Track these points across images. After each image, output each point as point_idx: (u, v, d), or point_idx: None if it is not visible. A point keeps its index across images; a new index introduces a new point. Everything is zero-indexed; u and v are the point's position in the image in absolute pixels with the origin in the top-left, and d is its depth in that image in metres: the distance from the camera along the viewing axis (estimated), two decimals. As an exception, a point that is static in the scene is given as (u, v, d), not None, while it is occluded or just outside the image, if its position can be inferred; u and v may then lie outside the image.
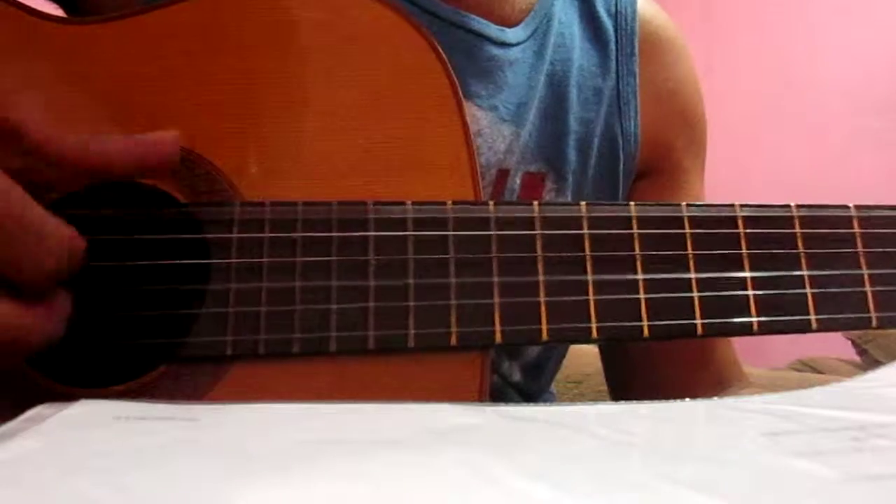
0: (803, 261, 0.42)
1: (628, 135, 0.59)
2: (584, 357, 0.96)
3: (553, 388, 0.69)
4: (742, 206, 0.42)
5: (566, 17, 0.59)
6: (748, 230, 0.41)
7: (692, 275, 0.40)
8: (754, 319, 0.40)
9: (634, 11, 0.60)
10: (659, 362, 0.61)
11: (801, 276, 0.41)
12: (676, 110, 0.62)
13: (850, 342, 1.47)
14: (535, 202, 0.40)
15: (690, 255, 0.41)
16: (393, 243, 0.39)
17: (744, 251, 0.41)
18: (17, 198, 0.31)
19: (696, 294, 0.40)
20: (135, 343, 0.37)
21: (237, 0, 0.42)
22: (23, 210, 0.31)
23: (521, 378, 0.60)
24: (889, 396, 0.34)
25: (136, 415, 0.29)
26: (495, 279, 0.39)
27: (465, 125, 0.41)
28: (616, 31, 0.60)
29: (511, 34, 0.55)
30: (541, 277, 0.39)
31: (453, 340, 0.38)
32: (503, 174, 0.54)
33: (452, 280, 0.39)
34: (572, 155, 0.57)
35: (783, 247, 0.42)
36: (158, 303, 0.37)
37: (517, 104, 0.54)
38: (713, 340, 0.61)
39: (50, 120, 0.32)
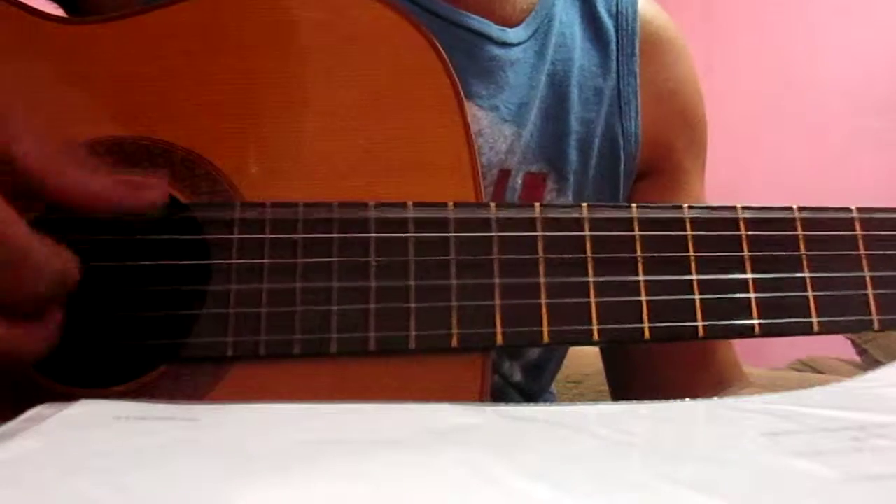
0: (805, 263, 0.41)
1: (629, 135, 0.59)
2: (585, 357, 0.96)
3: (553, 388, 0.69)
4: (744, 207, 0.42)
5: (567, 18, 0.59)
6: (750, 232, 0.41)
7: (693, 277, 0.40)
8: (755, 322, 0.40)
9: (635, 12, 0.60)
10: (660, 363, 0.61)
11: (803, 279, 0.41)
12: (677, 110, 0.62)
13: (850, 342, 1.47)
14: (537, 204, 0.40)
15: (692, 257, 0.41)
16: (394, 244, 0.39)
17: (745, 253, 0.41)
18: (14, 231, 0.31)
19: (697, 296, 0.40)
20: (135, 343, 0.37)
21: (237, 0, 0.42)
22: (17, 240, 0.31)
23: (522, 378, 0.60)
24: (889, 396, 0.34)
25: (136, 415, 0.29)
26: (496, 281, 0.39)
27: (466, 125, 0.41)
28: (617, 31, 0.60)
29: (512, 34, 0.55)
30: (542, 279, 0.39)
31: (454, 342, 0.38)
32: (504, 174, 0.54)
33: (453, 281, 0.39)
34: (573, 155, 0.57)
35: (785, 249, 0.42)
36: (159, 303, 0.37)
37: (518, 104, 0.54)
38: (714, 342, 0.60)
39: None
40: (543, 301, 0.39)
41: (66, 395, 0.32)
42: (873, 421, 0.29)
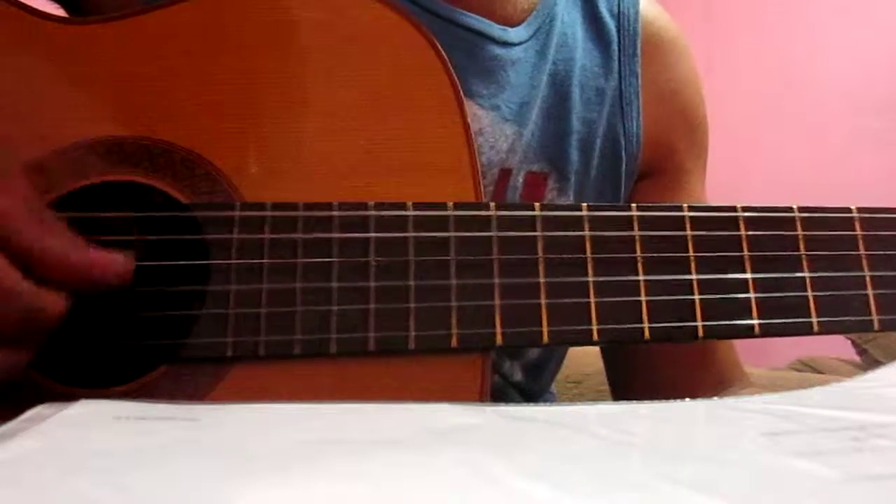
0: (805, 263, 0.41)
1: (630, 135, 0.59)
2: (585, 357, 0.96)
3: (553, 388, 0.69)
4: (744, 208, 0.42)
5: (569, 18, 0.59)
6: (750, 232, 0.41)
7: (693, 277, 0.40)
8: (756, 322, 0.40)
9: (637, 13, 0.60)
10: (660, 363, 0.61)
11: (803, 279, 0.41)
12: (678, 111, 0.62)
13: (850, 342, 1.47)
14: (536, 204, 0.40)
15: (692, 257, 0.41)
16: (394, 244, 0.39)
17: (745, 253, 0.41)
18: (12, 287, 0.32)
19: (697, 296, 0.40)
20: (136, 343, 0.37)
21: (237, 0, 0.42)
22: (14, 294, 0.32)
23: (523, 378, 0.60)
24: (889, 396, 0.34)
25: (136, 415, 0.29)
26: (496, 281, 0.39)
27: (466, 125, 0.41)
28: (619, 31, 0.60)
29: (513, 33, 0.55)
30: (542, 279, 0.39)
31: (454, 342, 0.38)
32: (505, 173, 0.54)
33: (453, 281, 0.39)
34: (575, 155, 0.57)
35: (785, 249, 0.42)
36: (159, 303, 0.37)
37: (519, 104, 0.54)
38: (714, 342, 0.60)
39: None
40: (543, 301, 0.39)
41: (66, 395, 0.32)
42: (873, 421, 0.29)
